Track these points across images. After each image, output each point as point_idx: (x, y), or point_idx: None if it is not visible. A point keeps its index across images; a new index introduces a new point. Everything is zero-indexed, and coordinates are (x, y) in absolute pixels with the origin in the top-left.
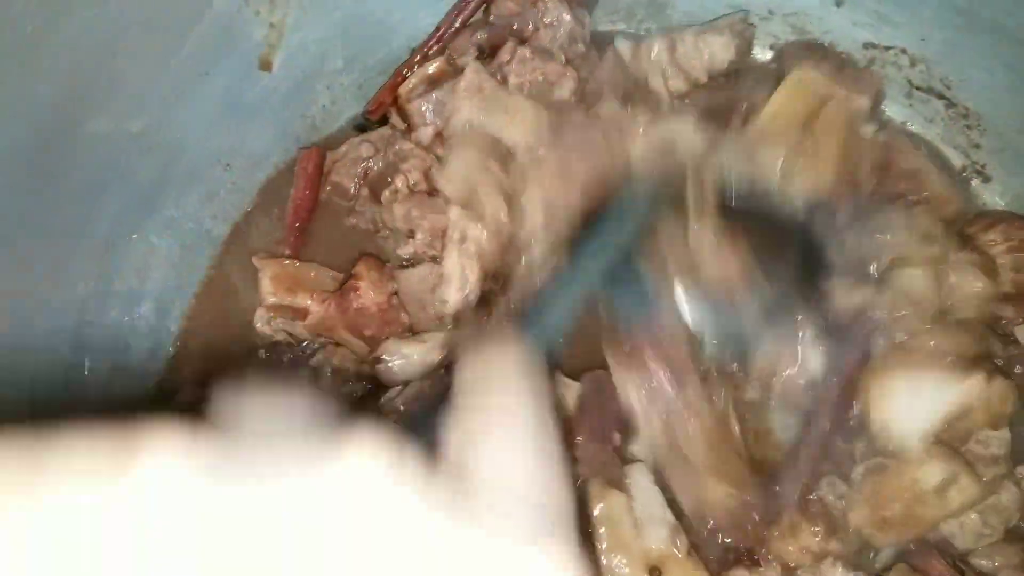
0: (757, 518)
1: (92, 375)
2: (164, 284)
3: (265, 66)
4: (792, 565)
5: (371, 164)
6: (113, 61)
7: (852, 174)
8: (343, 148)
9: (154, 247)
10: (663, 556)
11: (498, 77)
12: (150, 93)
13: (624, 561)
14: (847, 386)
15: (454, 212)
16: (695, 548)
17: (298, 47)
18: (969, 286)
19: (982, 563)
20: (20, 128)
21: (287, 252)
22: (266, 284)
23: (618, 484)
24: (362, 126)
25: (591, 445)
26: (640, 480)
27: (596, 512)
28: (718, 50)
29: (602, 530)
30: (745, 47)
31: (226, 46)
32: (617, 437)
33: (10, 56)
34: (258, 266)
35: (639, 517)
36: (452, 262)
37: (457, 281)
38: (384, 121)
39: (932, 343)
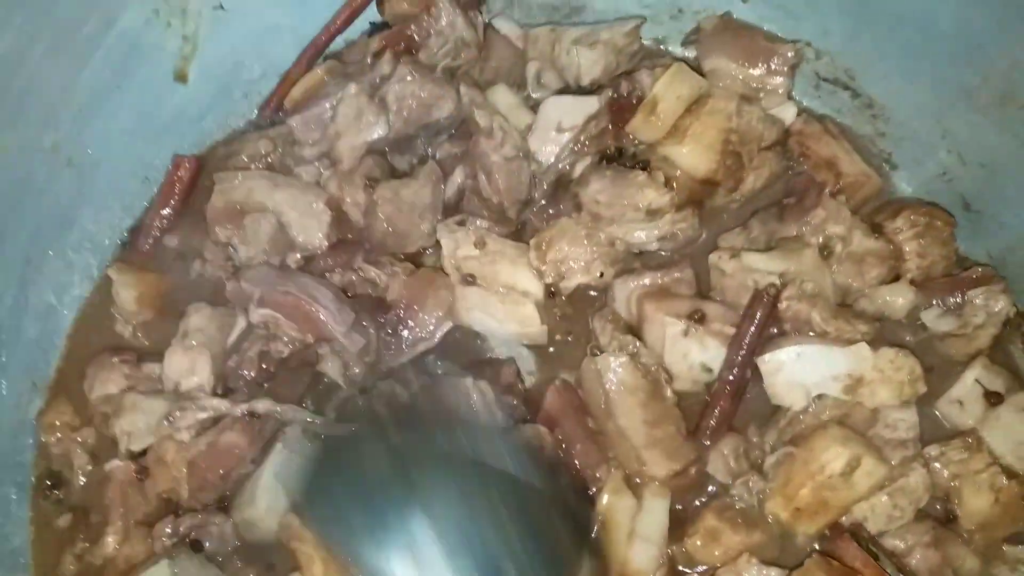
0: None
1: (8, 397)
2: (83, 300)
3: (181, 77)
4: (719, 566)
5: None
6: (19, 74)
7: (738, 156)
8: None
9: (72, 263)
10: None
11: (376, 99)
12: (61, 107)
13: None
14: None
15: None
16: None
17: (213, 58)
18: (871, 272)
19: (895, 543)
20: None
21: (132, 258)
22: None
23: (636, 489)
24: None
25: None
26: (655, 502)
27: (603, 500)
28: (585, 65)
29: (599, 519)
30: (624, 62)
31: (137, 59)
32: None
33: None
34: (115, 278)
35: (638, 530)
36: None
37: None
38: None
39: (821, 320)
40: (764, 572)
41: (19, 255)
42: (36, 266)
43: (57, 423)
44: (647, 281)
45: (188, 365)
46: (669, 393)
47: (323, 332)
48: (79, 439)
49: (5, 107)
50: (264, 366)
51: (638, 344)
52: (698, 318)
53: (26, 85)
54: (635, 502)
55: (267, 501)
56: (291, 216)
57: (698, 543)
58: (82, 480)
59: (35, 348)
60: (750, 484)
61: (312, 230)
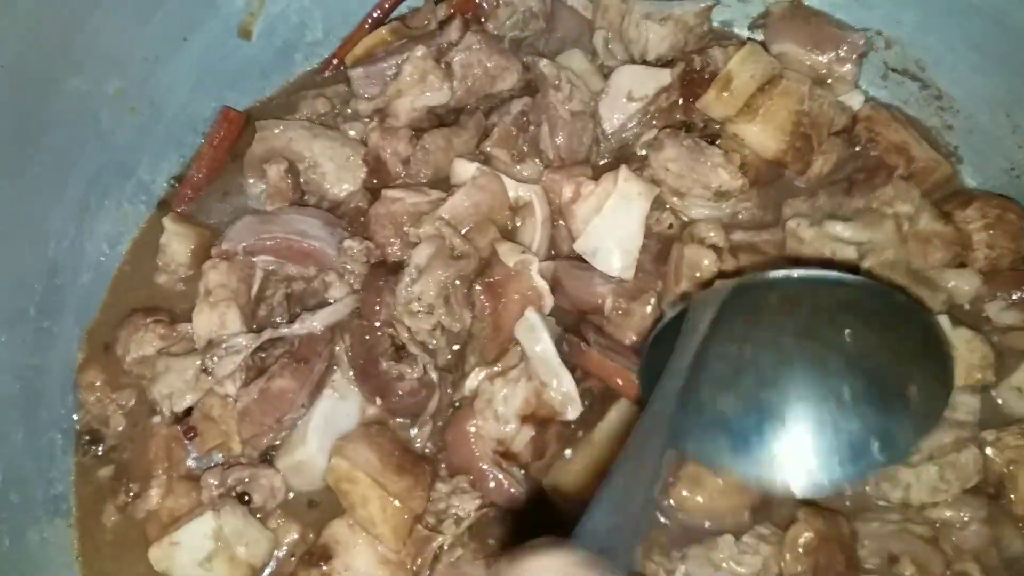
0: None
1: (60, 339)
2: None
3: (245, 34)
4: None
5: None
6: (90, 19)
7: (808, 139)
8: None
9: (127, 213)
10: None
11: (442, 63)
12: (128, 55)
13: None
14: None
15: None
16: None
17: (278, 17)
18: (934, 255)
19: (952, 515)
20: None
21: (179, 208)
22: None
23: None
24: None
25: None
26: None
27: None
28: (653, 40)
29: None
30: (692, 42)
31: (206, 12)
32: None
33: None
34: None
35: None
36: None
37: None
38: None
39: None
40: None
41: (78, 199)
42: (93, 213)
43: (97, 383)
44: (738, 236)
45: (218, 320)
46: None
47: (323, 261)
48: (119, 401)
49: (74, 51)
50: (295, 310)
51: None
52: None
53: (96, 29)
54: None
55: (318, 441)
56: (328, 167)
57: (684, 492)
58: (119, 440)
59: (86, 297)
60: None
61: (346, 182)
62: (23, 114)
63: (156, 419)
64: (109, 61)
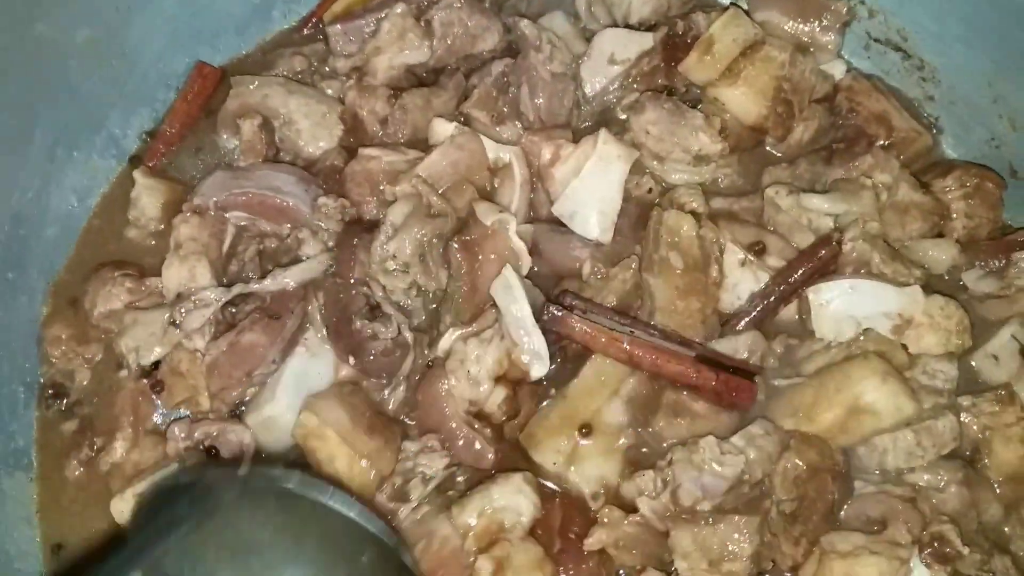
0: None
1: (23, 292)
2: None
3: None
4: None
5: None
6: None
7: (789, 105)
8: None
9: (97, 167)
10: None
11: (422, 21)
12: (100, 2)
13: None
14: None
15: None
16: None
17: None
18: (912, 225)
19: (929, 478)
20: None
21: (151, 162)
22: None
23: None
24: None
25: None
26: None
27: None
28: (636, 3)
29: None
30: (676, 7)
31: None
32: None
33: None
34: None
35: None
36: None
37: None
38: None
39: (879, 262)
40: (725, 450)
41: (45, 151)
42: (60, 165)
43: (63, 336)
44: (717, 203)
45: (187, 274)
46: (714, 273)
47: (297, 218)
48: (85, 355)
49: None
50: (267, 266)
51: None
52: (759, 249)
53: None
54: None
55: (288, 399)
56: (303, 124)
57: (660, 423)
58: (83, 394)
59: (52, 250)
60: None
61: (321, 140)
62: None
63: (123, 373)
64: (79, 7)
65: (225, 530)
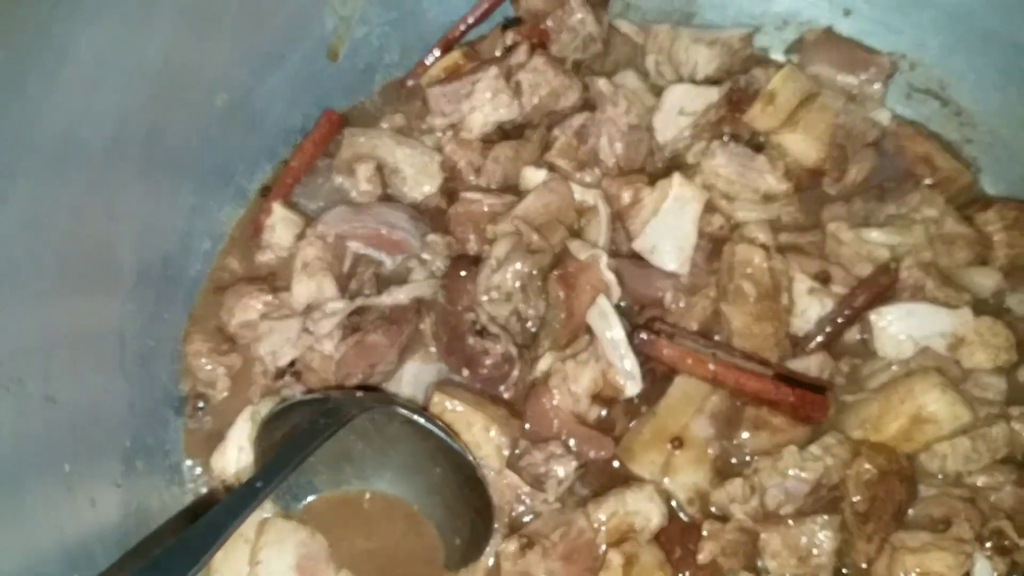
0: None
1: (170, 321)
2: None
3: (333, 56)
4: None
5: None
6: (207, 40)
7: (843, 149)
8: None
9: (227, 214)
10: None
11: (511, 82)
12: (234, 71)
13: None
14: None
15: None
16: None
17: (361, 41)
18: (959, 254)
19: (984, 480)
20: (136, 88)
21: (280, 194)
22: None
23: None
24: None
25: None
26: None
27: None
28: (701, 62)
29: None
30: (736, 64)
31: (301, 34)
32: None
33: (127, 26)
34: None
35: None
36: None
37: None
38: None
39: (933, 287)
40: (805, 457)
41: (188, 203)
42: (199, 213)
43: (203, 349)
44: (783, 238)
45: (316, 288)
46: (785, 300)
47: (407, 250)
48: (225, 363)
49: (187, 70)
50: (381, 286)
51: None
52: (824, 278)
53: (210, 49)
54: None
55: (410, 390)
56: (408, 172)
57: (744, 435)
58: (223, 395)
59: (192, 285)
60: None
61: (425, 185)
62: (153, 122)
63: (258, 369)
64: (220, 75)
65: (331, 440)
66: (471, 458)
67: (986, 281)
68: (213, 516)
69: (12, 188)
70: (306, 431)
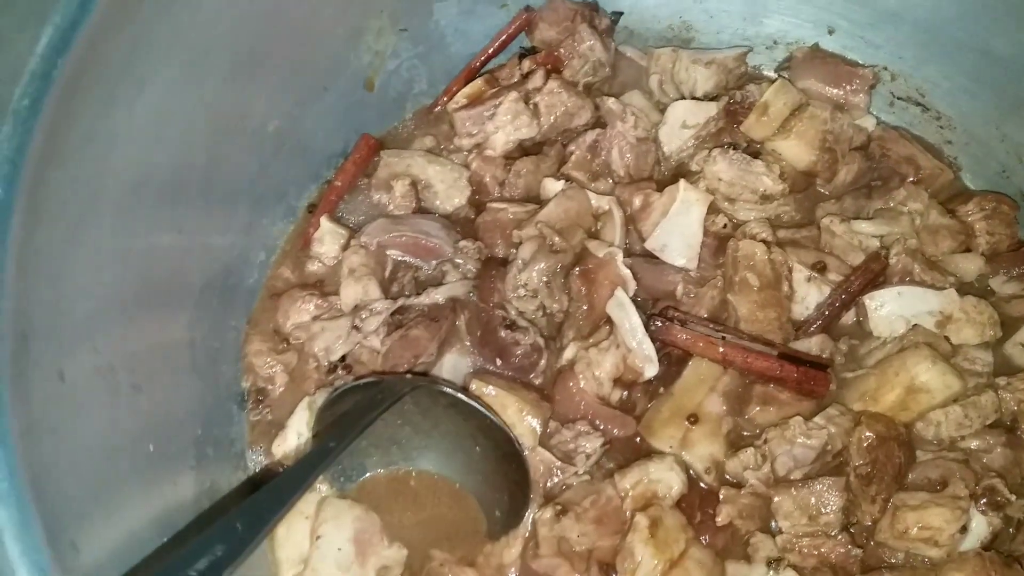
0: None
1: (232, 325)
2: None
3: (369, 86)
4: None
5: None
6: (258, 77)
7: (833, 152)
8: None
9: (280, 229)
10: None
11: (530, 104)
12: (282, 103)
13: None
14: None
15: None
16: None
17: (393, 72)
18: (943, 243)
19: (978, 443)
20: (198, 120)
21: (326, 210)
22: (332, 247)
23: None
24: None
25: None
26: None
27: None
28: (700, 80)
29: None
30: (732, 81)
31: (341, 67)
32: None
33: (191, 65)
34: (325, 226)
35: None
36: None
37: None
38: None
39: (920, 271)
40: (810, 426)
41: (246, 220)
42: (255, 229)
43: (263, 349)
44: (781, 234)
45: (362, 290)
46: (785, 289)
47: (442, 256)
48: (283, 362)
49: (242, 103)
50: (420, 288)
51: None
52: (820, 268)
53: (261, 83)
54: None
55: (450, 378)
56: (439, 187)
57: (754, 410)
58: (281, 389)
59: (250, 294)
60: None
61: (455, 198)
62: (213, 150)
63: (312, 365)
64: (272, 104)
65: (380, 424)
66: (510, 432)
67: (970, 266)
68: (285, 477)
69: (100, 209)
70: (363, 407)
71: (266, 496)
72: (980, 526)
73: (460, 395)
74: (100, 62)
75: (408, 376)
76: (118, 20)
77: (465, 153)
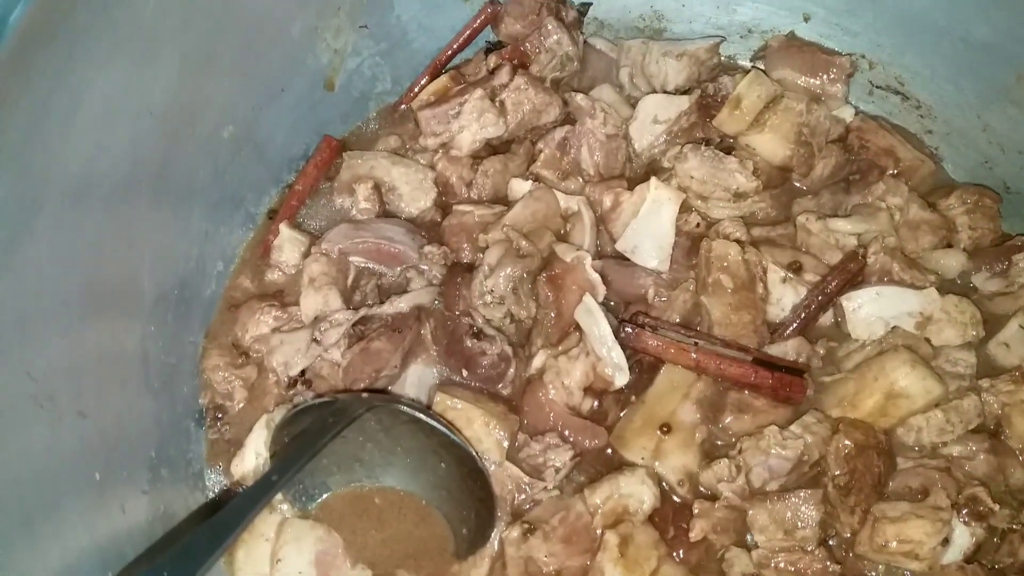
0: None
1: (188, 340)
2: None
3: (329, 87)
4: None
5: None
6: (210, 77)
7: (809, 146)
8: None
9: (237, 237)
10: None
11: (496, 102)
12: (237, 105)
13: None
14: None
15: None
16: None
17: (355, 71)
18: (924, 239)
19: (960, 449)
20: (146, 125)
21: (286, 216)
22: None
23: None
24: None
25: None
26: None
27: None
28: (671, 73)
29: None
30: (704, 73)
31: (298, 68)
32: None
33: (136, 68)
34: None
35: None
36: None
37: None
38: None
39: (899, 269)
40: (785, 436)
41: (201, 229)
42: (211, 238)
43: (220, 364)
44: (756, 232)
45: (322, 301)
46: (760, 290)
47: (406, 261)
48: (241, 376)
49: (193, 106)
50: (383, 297)
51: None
52: (796, 268)
53: (213, 85)
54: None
55: (414, 392)
56: (404, 189)
57: (728, 419)
58: (240, 406)
59: (208, 305)
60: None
61: (420, 201)
62: (164, 156)
63: (272, 379)
64: (225, 109)
65: (340, 441)
66: (471, 450)
67: (952, 262)
68: (232, 506)
69: (37, 221)
70: (316, 429)
71: (206, 532)
72: (963, 537)
73: (418, 413)
74: (31, 65)
75: (365, 395)
76: (51, 20)
77: (431, 153)
